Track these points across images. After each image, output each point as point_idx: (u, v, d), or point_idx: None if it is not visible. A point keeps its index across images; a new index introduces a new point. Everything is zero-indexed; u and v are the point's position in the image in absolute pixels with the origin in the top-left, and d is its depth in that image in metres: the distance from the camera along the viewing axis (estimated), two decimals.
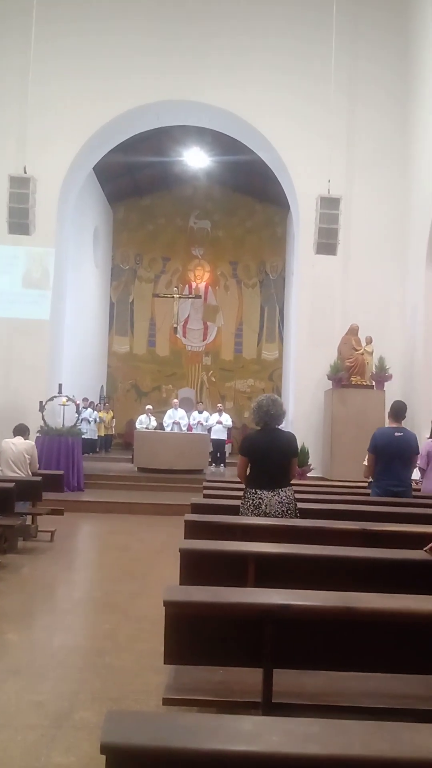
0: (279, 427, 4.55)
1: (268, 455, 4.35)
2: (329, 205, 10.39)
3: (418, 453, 5.84)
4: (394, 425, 5.56)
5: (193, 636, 2.12)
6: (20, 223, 10.38)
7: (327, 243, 10.48)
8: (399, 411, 5.62)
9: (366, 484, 6.39)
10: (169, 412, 14.55)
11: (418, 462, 6.36)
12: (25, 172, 10.38)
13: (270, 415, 4.42)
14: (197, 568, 2.97)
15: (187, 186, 20.71)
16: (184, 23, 12.28)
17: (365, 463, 5.73)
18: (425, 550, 2.97)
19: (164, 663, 2.15)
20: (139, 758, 1.08)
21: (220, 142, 16.11)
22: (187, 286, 20.74)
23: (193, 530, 3.78)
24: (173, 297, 16.52)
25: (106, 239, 19.92)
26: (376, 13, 12.40)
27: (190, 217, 21.10)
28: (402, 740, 1.08)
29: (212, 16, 12.34)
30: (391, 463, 5.46)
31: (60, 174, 12.15)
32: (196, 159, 18.35)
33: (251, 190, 20.05)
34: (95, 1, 12.32)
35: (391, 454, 5.44)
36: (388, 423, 5.67)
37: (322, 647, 2.16)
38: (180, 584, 2.93)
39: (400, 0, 12.36)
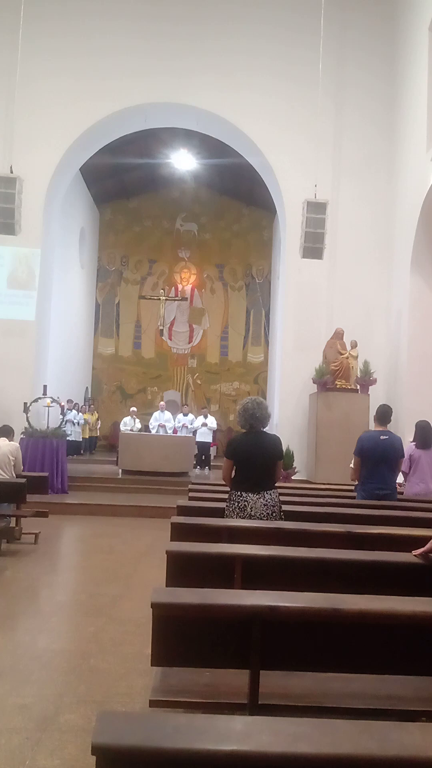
0: (264, 429, 4.57)
1: (253, 458, 4.37)
2: (316, 209, 10.45)
3: (403, 456, 5.89)
4: (380, 429, 5.62)
5: (180, 638, 2.12)
6: (6, 223, 10.32)
7: (313, 247, 10.53)
8: (384, 415, 5.67)
9: (352, 488, 6.43)
10: (155, 414, 14.53)
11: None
12: (12, 172, 10.32)
13: (255, 417, 4.44)
14: (184, 570, 2.97)
15: (175, 188, 20.72)
16: (172, 25, 12.31)
17: (351, 466, 5.77)
18: (414, 554, 2.99)
19: (151, 665, 2.16)
20: (130, 759, 1.08)
21: (208, 145, 16.14)
22: (173, 288, 20.73)
23: (180, 532, 3.79)
24: (160, 299, 16.50)
25: (92, 240, 19.86)
26: (364, 19, 12.51)
27: (176, 219, 21.11)
28: (390, 739, 1.09)
29: (201, 18, 12.38)
30: (377, 466, 5.51)
31: (47, 174, 12.11)
32: (183, 161, 18.37)
33: (238, 194, 20.11)
34: (84, 1, 12.30)
35: (377, 458, 5.49)
36: (373, 426, 5.72)
37: (309, 649, 2.17)
38: (166, 586, 2.93)
39: (387, 6, 12.48)
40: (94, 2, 12.31)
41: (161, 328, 16.36)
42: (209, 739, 1.07)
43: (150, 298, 18.27)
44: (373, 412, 6.18)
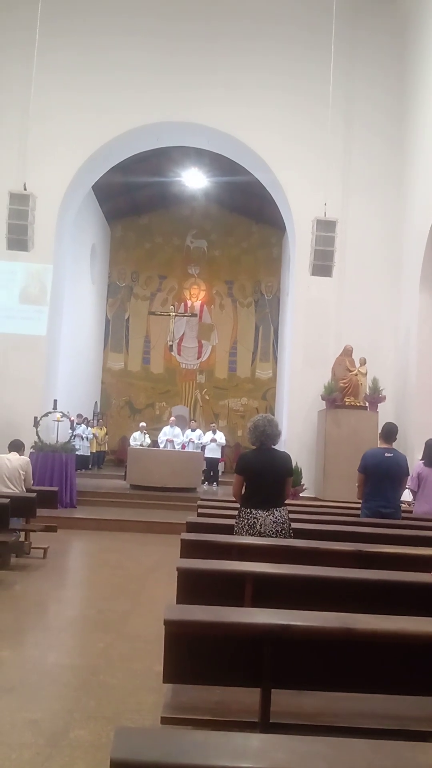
0: (274, 447, 4.60)
1: (263, 475, 4.39)
2: (325, 227, 10.52)
3: (408, 474, 5.88)
4: (385, 446, 5.62)
5: (192, 655, 2.14)
6: (19, 239, 10.45)
7: (323, 265, 10.58)
8: (390, 432, 5.68)
9: (360, 506, 6.42)
10: (165, 429, 14.56)
11: (408, 484, 6.40)
12: (25, 189, 10.47)
13: (266, 434, 4.47)
14: (194, 587, 2.98)
15: (185, 206, 20.92)
16: (185, 42, 12.48)
17: (358, 484, 5.76)
18: None
19: (163, 682, 2.17)
20: None
21: (219, 163, 16.32)
22: (182, 304, 20.85)
23: (189, 549, 3.80)
24: (169, 315, 16.60)
25: (103, 256, 20.05)
26: (374, 36, 12.66)
27: (187, 236, 21.29)
28: (404, 758, 1.11)
29: (214, 36, 12.56)
30: (381, 484, 5.51)
31: (59, 192, 12.27)
32: (194, 179, 18.57)
33: (248, 211, 20.28)
34: (98, 18, 12.52)
35: (381, 475, 5.48)
36: (379, 444, 5.72)
37: (320, 667, 2.18)
38: (177, 603, 2.94)
39: (397, 22, 12.62)
40: (108, 20, 12.52)
41: (170, 343, 16.44)
42: (226, 756, 1.09)
43: (160, 314, 18.39)
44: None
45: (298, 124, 12.48)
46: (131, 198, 19.72)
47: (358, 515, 6.00)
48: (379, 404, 11.44)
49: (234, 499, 4.67)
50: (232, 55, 12.54)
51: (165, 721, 2.16)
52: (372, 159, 12.57)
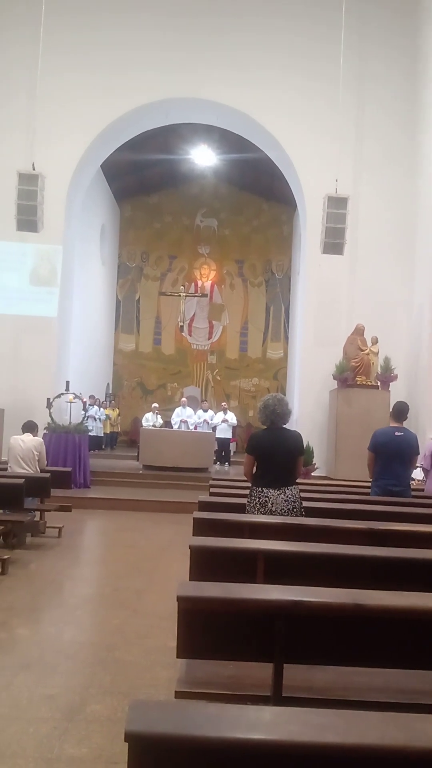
0: (285, 426, 4.60)
1: (274, 454, 4.39)
2: (336, 204, 10.40)
3: (419, 453, 5.87)
4: (396, 425, 5.60)
5: (205, 631, 2.16)
6: (28, 220, 10.41)
7: (334, 242, 10.49)
8: (400, 411, 5.66)
9: (370, 484, 6.43)
10: (178, 410, 14.60)
11: (420, 462, 6.39)
12: (34, 169, 10.42)
13: (276, 414, 4.46)
14: (207, 564, 3.01)
15: (194, 184, 20.74)
16: (193, 19, 12.31)
17: (368, 463, 5.76)
18: None
19: (177, 657, 2.20)
20: (162, 746, 1.12)
21: (228, 140, 16.13)
22: (193, 284, 20.77)
23: (202, 527, 3.83)
24: (180, 295, 16.55)
25: (112, 237, 19.97)
26: (385, 13, 12.41)
27: (196, 215, 21.14)
28: (415, 730, 1.12)
29: (222, 13, 12.36)
30: (391, 462, 5.50)
31: (68, 171, 12.20)
32: (203, 157, 18.38)
33: (258, 189, 20.07)
34: None
35: (391, 454, 5.48)
36: (390, 423, 5.71)
37: (332, 643, 2.20)
38: (190, 580, 2.97)
39: (409, 1, 12.35)
40: None
41: (181, 324, 16.40)
42: (239, 728, 1.11)
43: (170, 295, 18.34)
44: None
45: (308, 100, 12.30)
46: (140, 177, 19.58)
47: (369, 494, 6.02)
48: (391, 383, 11.39)
49: (245, 479, 4.69)
50: (242, 32, 12.34)
51: (179, 695, 2.20)
52: (383, 136, 12.38)
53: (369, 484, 6.58)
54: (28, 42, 11.50)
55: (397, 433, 5.51)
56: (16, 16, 11.97)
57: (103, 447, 16.78)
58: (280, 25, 12.36)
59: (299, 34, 12.35)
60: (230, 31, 12.34)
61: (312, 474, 10.85)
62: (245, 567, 3.00)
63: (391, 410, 5.88)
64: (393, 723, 1.14)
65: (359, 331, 11.49)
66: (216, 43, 12.33)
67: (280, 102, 12.34)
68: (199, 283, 21.00)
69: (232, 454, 15.49)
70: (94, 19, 12.25)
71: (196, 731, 1.10)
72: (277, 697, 2.14)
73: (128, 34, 12.24)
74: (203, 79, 12.33)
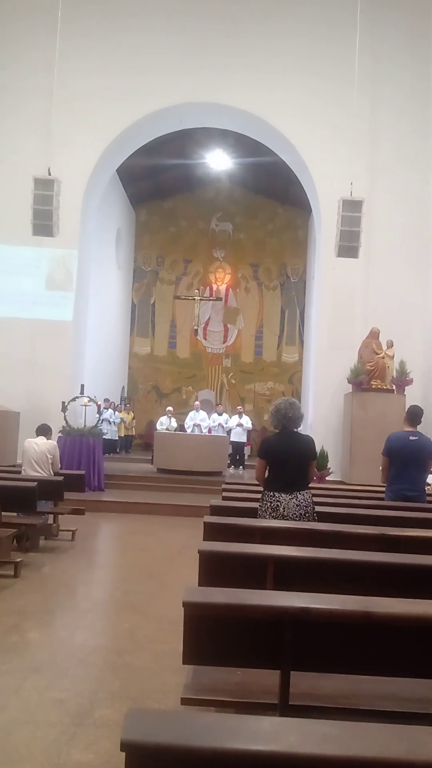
0: (297, 430, 4.56)
1: (286, 458, 4.36)
2: (351, 207, 10.34)
3: None
4: (410, 429, 5.54)
5: (211, 637, 2.14)
6: (44, 224, 10.48)
7: (348, 246, 10.43)
8: (415, 415, 5.60)
9: (384, 489, 6.36)
10: (191, 413, 14.60)
11: None
12: (50, 174, 10.49)
13: (288, 418, 4.43)
14: (216, 569, 2.99)
15: (210, 188, 20.78)
16: (207, 24, 12.32)
17: (382, 468, 5.71)
18: None
19: (183, 663, 2.18)
20: (159, 756, 1.10)
21: (243, 145, 16.14)
22: (207, 288, 20.79)
23: (212, 532, 3.81)
24: (194, 299, 16.57)
25: (128, 241, 20.06)
26: (400, 16, 12.34)
27: (211, 219, 21.17)
28: (420, 743, 1.09)
29: (236, 17, 12.36)
30: (405, 467, 5.44)
31: (84, 176, 12.26)
32: (218, 161, 18.41)
33: (273, 193, 20.05)
34: (120, 1, 12.36)
35: (405, 458, 5.42)
36: (404, 427, 5.64)
37: (340, 650, 2.17)
38: (199, 585, 2.95)
39: (423, 3, 12.28)
40: (130, 2, 12.39)
41: (196, 327, 16.42)
42: (238, 739, 1.09)
43: (184, 298, 18.37)
44: None
45: (323, 104, 12.26)
46: (156, 181, 19.66)
47: (383, 499, 5.95)
48: (406, 387, 11.29)
49: (258, 483, 4.66)
50: (256, 36, 12.33)
51: (185, 702, 2.18)
52: (398, 139, 12.30)
53: (383, 489, 6.52)
54: (45, 48, 11.57)
55: (411, 438, 5.45)
56: (33, 22, 12.07)
57: (118, 450, 16.83)
58: (294, 28, 12.34)
59: (313, 38, 12.32)
60: (244, 35, 12.34)
61: (326, 478, 10.78)
62: (255, 572, 2.97)
63: (405, 414, 5.82)
64: (396, 735, 1.11)
65: (374, 335, 11.41)
66: (230, 47, 12.34)
67: (295, 105, 12.31)
68: (214, 286, 21.02)
69: (246, 457, 15.45)
70: (110, 25, 12.31)
71: (194, 741, 1.08)
72: (284, 704, 2.11)
73: (143, 39, 12.29)
74: (218, 84, 12.34)
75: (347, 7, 11.52)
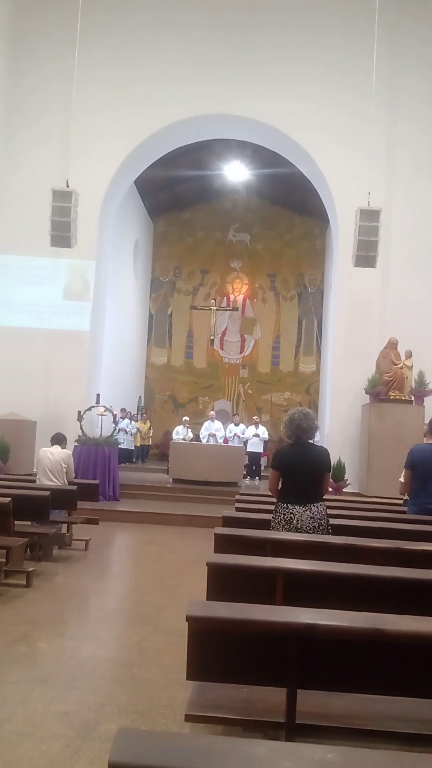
0: (311, 441, 4.50)
1: (300, 469, 4.30)
2: (369, 217, 10.28)
3: None
4: None
5: (216, 652, 2.09)
6: (62, 236, 10.56)
7: (366, 255, 10.36)
8: None
9: (402, 502, 6.26)
10: (206, 424, 14.55)
11: None
12: (68, 186, 10.58)
13: (302, 428, 4.37)
14: (225, 583, 2.94)
15: (227, 199, 20.84)
16: (225, 35, 12.40)
17: (401, 479, 5.61)
18: None
19: (187, 679, 2.13)
20: None
21: (260, 156, 16.18)
22: (225, 298, 20.80)
23: (223, 544, 3.76)
24: (210, 309, 16.57)
25: (146, 252, 20.17)
26: (418, 27, 12.31)
27: (229, 230, 21.22)
28: None
29: (253, 28, 12.42)
30: (429, 479, 5.34)
31: (101, 188, 12.36)
32: (235, 172, 18.47)
33: (291, 203, 20.06)
34: (137, 13, 12.48)
35: (429, 471, 5.32)
36: (425, 439, 5.55)
37: (349, 669, 2.11)
38: (207, 599, 2.91)
39: None
40: (147, 14, 12.50)
41: (213, 338, 16.41)
42: (229, 764, 1.04)
43: (201, 309, 18.39)
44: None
45: (340, 114, 12.25)
46: (174, 193, 19.77)
47: (401, 511, 5.85)
48: (425, 398, 11.15)
49: (271, 494, 4.60)
50: (273, 47, 12.38)
51: (189, 718, 2.13)
52: (415, 149, 12.25)
53: (401, 501, 6.41)
54: (63, 59, 11.69)
55: None
56: (52, 33, 12.23)
57: (134, 460, 16.82)
58: (312, 39, 12.36)
59: (330, 48, 12.33)
60: (261, 47, 12.39)
61: (344, 490, 10.66)
62: (264, 586, 2.92)
63: (427, 426, 5.72)
64: (396, 762, 1.06)
65: (392, 345, 11.31)
66: (248, 59, 12.39)
67: (312, 116, 12.31)
68: (231, 297, 21.03)
69: (263, 468, 15.34)
70: (128, 37, 12.44)
71: (183, 765, 1.03)
72: (290, 723, 2.05)
73: (161, 51, 12.39)
74: (236, 95, 12.40)
75: (365, 18, 11.52)
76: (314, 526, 4.22)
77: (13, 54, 12.36)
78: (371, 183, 10.86)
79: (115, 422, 12.41)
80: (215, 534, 3.77)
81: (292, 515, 4.23)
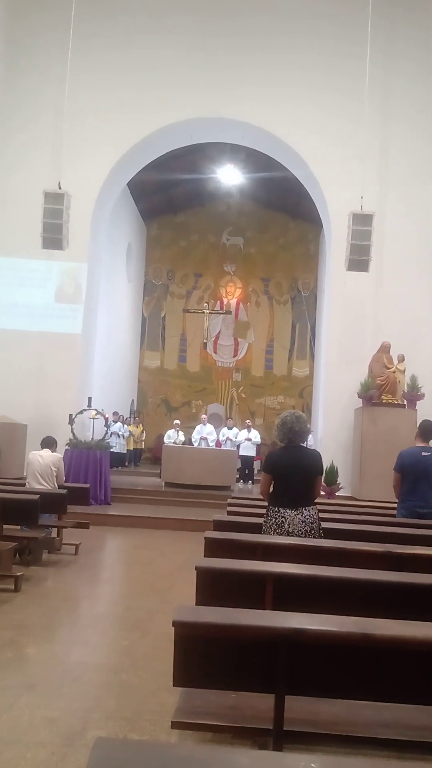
0: (303, 444, 4.48)
1: (291, 473, 4.27)
2: (362, 221, 10.30)
3: None
4: (422, 445, 5.43)
5: (203, 658, 2.06)
6: (54, 238, 10.53)
7: (359, 259, 10.38)
8: (426, 430, 5.49)
9: (396, 505, 6.24)
10: (198, 427, 14.51)
11: None
12: (60, 188, 10.55)
13: (294, 431, 4.35)
14: (214, 587, 2.91)
15: (221, 203, 20.84)
16: (218, 39, 12.38)
17: (394, 484, 5.59)
18: None
19: (173, 685, 2.10)
20: None
21: (254, 159, 16.19)
22: (218, 302, 20.78)
23: (213, 548, 3.72)
24: (203, 313, 16.56)
25: (139, 255, 20.13)
26: (411, 30, 12.34)
27: (222, 233, 21.22)
28: None
29: (246, 32, 12.43)
30: (418, 483, 5.34)
31: (94, 190, 12.32)
32: (229, 176, 18.47)
33: (284, 207, 20.08)
34: (131, 17, 12.47)
35: (418, 474, 5.31)
36: (415, 443, 5.54)
37: (338, 674, 2.07)
38: (196, 604, 2.87)
39: None
40: (141, 18, 12.46)
41: (206, 341, 16.40)
42: None
43: (194, 312, 18.37)
44: None
45: (333, 118, 12.26)
46: (167, 196, 19.75)
47: (393, 515, 5.83)
48: (417, 402, 11.15)
49: (263, 498, 4.57)
50: (267, 51, 12.38)
51: (176, 725, 2.10)
52: (409, 153, 12.27)
53: (394, 505, 6.40)
54: (56, 63, 11.67)
55: (424, 453, 5.35)
56: (45, 37, 12.20)
57: (127, 464, 16.75)
58: (305, 43, 12.38)
59: (324, 52, 12.35)
60: (254, 50, 12.39)
61: (336, 494, 10.64)
62: (254, 591, 2.89)
63: (417, 429, 5.72)
64: None
65: (385, 349, 11.31)
66: (241, 63, 12.38)
67: (305, 120, 12.32)
68: (225, 300, 21.01)
69: (255, 472, 15.30)
70: (121, 41, 12.41)
71: None
72: (278, 730, 2.02)
73: (154, 55, 12.38)
74: (229, 99, 12.39)
75: (358, 22, 11.54)
76: (306, 530, 4.19)
77: (6, 58, 12.32)
78: (364, 187, 10.88)
79: (107, 426, 12.36)
80: (205, 538, 3.74)
81: (283, 519, 4.20)
